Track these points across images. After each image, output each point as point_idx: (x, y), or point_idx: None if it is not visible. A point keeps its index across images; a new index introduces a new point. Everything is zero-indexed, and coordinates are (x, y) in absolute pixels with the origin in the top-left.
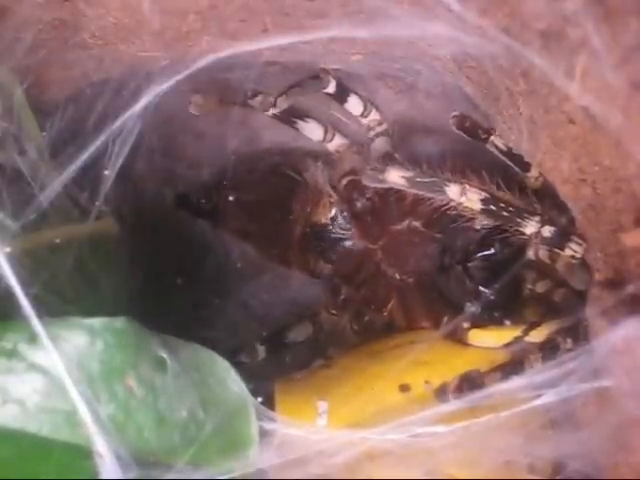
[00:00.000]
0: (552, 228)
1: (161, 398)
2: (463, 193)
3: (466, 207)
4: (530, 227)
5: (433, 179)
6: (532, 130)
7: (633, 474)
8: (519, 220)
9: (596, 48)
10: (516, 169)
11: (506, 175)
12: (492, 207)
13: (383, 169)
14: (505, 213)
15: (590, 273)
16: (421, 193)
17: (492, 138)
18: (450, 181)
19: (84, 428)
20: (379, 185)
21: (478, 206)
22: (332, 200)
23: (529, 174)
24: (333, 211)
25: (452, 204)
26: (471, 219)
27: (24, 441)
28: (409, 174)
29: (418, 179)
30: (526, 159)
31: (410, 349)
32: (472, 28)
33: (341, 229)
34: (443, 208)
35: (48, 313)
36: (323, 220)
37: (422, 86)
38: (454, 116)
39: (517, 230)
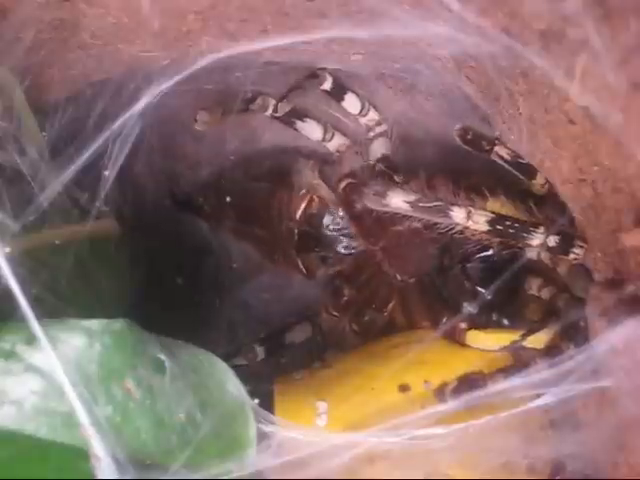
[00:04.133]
0: (557, 237)
1: (159, 400)
2: (469, 217)
3: (473, 230)
4: (536, 239)
5: (437, 203)
6: (532, 130)
7: (633, 474)
8: (525, 235)
9: (596, 48)
10: (522, 177)
11: (508, 182)
12: (498, 227)
13: (385, 193)
14: (511, 230)
15: (590, 280)
16: (425, 217)
17: (496, 148)
18: (455, 204)
19: (81, 430)
20: (382, 209)
21: (485, 227)
22: (321, 199)
23: (535, 181)
24: (323, 211)
25: (458, 228)
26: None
27: (21, 442)
28: (411, 198)
29: (421, 204)
30: (526, 159)
31: (409, 349)
32: (472, 28)
33: (332, 229)
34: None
35: (47, 314)
36: (311, 220)
37: (422, 86)
38: (457, 129)
39: (525, 243)
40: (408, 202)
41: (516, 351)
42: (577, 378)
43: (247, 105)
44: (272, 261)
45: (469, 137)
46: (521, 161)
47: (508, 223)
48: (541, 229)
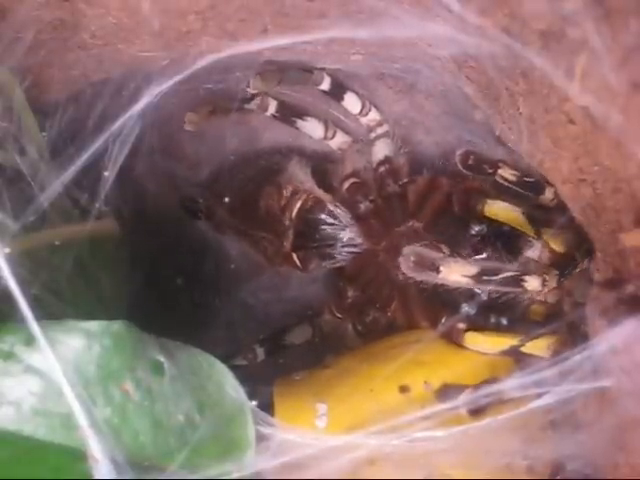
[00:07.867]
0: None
1: (158, 402)
2: (544, 284)
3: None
4: (578, 268)
5: (508, 274)
6: (532, 130)
7: (634, 474)
8: (574, 270)
9: (596, 48)
10: (530, 195)
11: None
12: (562, 279)
13: (436, 267)
14: (568, 275)
15: (590, 283)
16: (492, 289)
17: (500, 171)
18: (526, 274)
19: (80, 431)
20: (433, 282)
21: (554, 285)
22: (314, 198)
23: (543, 196)
24: (318, 209)
25: (527, 295)
26: None
27: (20, 443)
28: (472, 271)
29: (486, 277)
30: (526, 159)
31: (409, 350)
32: (472, 28)
33: (327, 227)
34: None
35: (47, 314)
36: (307, 218)
37: (422, 86)
38: (458, 154)
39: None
40: (469, 277)
41: (516, 356)
42: (577, 378)
43: (242, 104)
44: (268, 259)
45: (470, 162)
46: (527, 179)
47: (566, 272)
48: (578, 257)
